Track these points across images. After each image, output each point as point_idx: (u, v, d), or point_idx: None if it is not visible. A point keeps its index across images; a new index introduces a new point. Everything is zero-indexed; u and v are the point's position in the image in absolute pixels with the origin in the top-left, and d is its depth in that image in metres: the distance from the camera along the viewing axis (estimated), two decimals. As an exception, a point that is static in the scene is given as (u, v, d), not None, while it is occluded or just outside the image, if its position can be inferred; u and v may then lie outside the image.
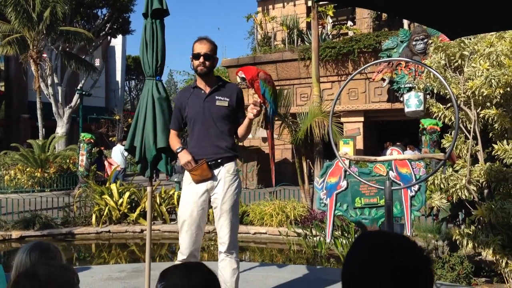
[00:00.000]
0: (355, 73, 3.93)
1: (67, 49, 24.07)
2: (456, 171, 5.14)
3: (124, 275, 5.01)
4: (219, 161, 3.41)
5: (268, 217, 8.53)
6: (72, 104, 23.64)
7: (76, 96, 23.34)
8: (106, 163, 14.96)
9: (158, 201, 9.18)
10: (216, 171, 3.41)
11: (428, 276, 1.15)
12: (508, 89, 4.62)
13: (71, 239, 8.56)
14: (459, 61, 4.90)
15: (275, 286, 4.56)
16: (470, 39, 4.85)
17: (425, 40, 13.31)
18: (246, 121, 3.46)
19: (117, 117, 30.57)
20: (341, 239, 6.58)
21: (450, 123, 5.31)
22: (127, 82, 47.09)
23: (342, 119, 14.73)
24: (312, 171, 10.05)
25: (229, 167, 3.44)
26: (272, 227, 8.39)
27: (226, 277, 3.41)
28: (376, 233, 1.31)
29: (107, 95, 38.88)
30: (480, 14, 2.13)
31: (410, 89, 12.74)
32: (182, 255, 3.43)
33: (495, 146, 4.69)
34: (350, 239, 6.48)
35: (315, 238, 7.15)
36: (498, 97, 4.67)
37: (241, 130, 3.52)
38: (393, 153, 5.11)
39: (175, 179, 10.54)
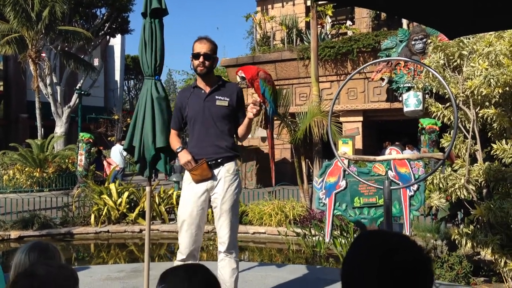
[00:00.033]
0: (354, 72, 3.93)
1: (66, 49, 24.07)
2: (455, 171, 5.14)
3: (123, 275, 5.01)
4: (219, 160, 3.41)
5: (267, 216, 8.53)
6: (71, 103, 23.63)
7: (75, 96, 23.34)
8: (105, 162, 14.96)
9: (157, 201, 9.17)
10: (216, 171, 3.41)
11: (428, 275, 1.15)
12: (507, 88, 4.63)
13: (70, 239, 8.55)
14: (458, 61, 4.90)
15: (274, 285, 4.56)
16: (469, 38, 4.85)
17: (424, 40, 13.32)
18: (246, 121, 3.45)
19: (116, 117, 30.57)
20: (340, 238, 6.58)
21: (449, 123, 5.31)
22: (126, 81, 47.07)
23: (341, 119, 14.73)
24: (311, 170, 10.06)
25: (229, 166, 3.44)
26: (271, 226, 8.39)
27: (225, 277, 3.41)
28: (375, 232, 1.30)
29: (106, 95, 38.86)
30: (482, 14, 2.13)
31: (409, 89, 12.76)
32: (181, 255, 3.43)
33: (494, 146, 4.70)
34: (349, 239, 6.48)
35: (314, 238, 7.15)
36: (497, 96, 4.67)
37: (241, 129, 3.52)
38: (392, 152, 5.12)
39: (174, 179, 10.54)
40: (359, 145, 15.33)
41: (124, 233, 8.79)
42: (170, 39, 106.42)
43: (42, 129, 20.71)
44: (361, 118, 15.91)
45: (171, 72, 59.08)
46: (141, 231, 8.60)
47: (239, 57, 17.93)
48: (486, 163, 4.89)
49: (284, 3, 19.64)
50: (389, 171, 4.96)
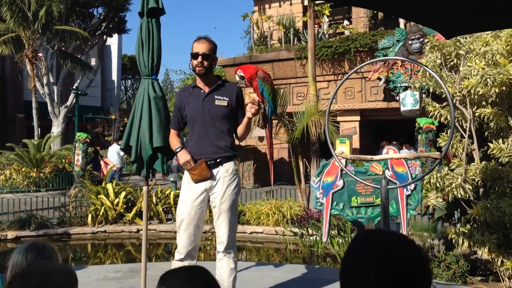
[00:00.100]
0: (351, 72, 3.94)
1: (63, 48, 24.02)
2: (452, 170, 5.15)
3: (120, 275, 5.00)
4: (218, 160, 3.40)
5: (264, 216, 8.53)
6: (68, 103, 23.59)
7: (71, 96, 23.29)
8: (102, 162, 14.93)
9: (154, 200, 9.16)
10: (215, 171, 3.41)
11: (426, 275, 1.15)
12: (504, 88, 4.64)
13: (67, 239, 8.53)
14: (455, 60, 4.91)
15: (272, 285, 4.56)
16: (465, 38, 4.86)
17: (421, 39, 13.34)
18: (245, 120, 3.45)
19: (113, 117, 30.54)
20: (337, 238, 6.59)
21: (446, 122, 5.32)
22: (123, 81, 47.00)
23: (339, 118, 14.75)
24: (308, 170, 10.07)
25: (228, 166, 3.43)
26: (269, 226, 8.39)
27: (223, 277, 3.41)
28: (373, 232, 1.30)
29: (103, 95, 38.79)
30: (480, 14, 2.13)
31: (406, 88, 12.78)
32: (179, 255, 3.43)
33: (491, 145, 4.71)
34: (346, 238, 6.49)
35: (311, 238, 7.15)
36: (494, 96, 4.68)
37: (240, 129, 3.52)
38: (389, 152, 5.12)
39: (171, 179, 10.53)
40: (356, 144, 15.35)
41: (121, 233, 8.78)
42: (167, 39, 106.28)
43: (39, 129, 20.66)
44: (358, 118, 15.93)
45: (168, 71, 59.14)
46: (138, 231, 8.59)
47: (237, 57, 17.93)
48: (483, 162, 4.90)
49: (281, 2, 19.65)
50: (386, 171, 4.96)
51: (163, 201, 9.35)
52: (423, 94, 9.09)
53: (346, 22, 18.66)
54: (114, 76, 40.54)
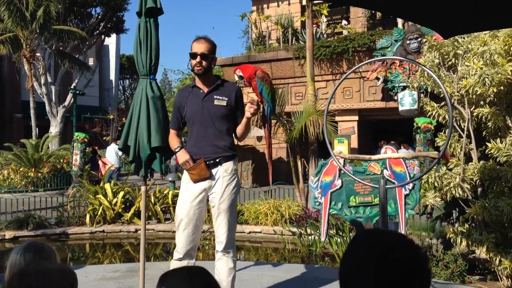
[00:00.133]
0: (350, 72, 3.94)
1: (61, 48, 23.98)
2: (450, 170, 5.16)
3: (118, 275, 5.00)
4: (217, 160, 3.40)
5: (263, 216, 8.53)
6: (66, 103, 23.55)
7: (69, 95, 23.25)
8: (100, 162, 14.92)
9: (152, 200, 9.16)
10: (214, 171, 3.41)
11: (425, 274, 1.15)
12: (502, 87, 4.64)
13: (65, 239, 8.52)
14: (453, 60, 4.92)
15: (270, 285, 4.56)
16: (463, 38, 4.87)
17: (419, 39, 13.36)
18: (244, 120, 3.45)
19: (111, 116, 30.51)
20: (335, 237, 6.59)
21: (444, 122, 5.33)
22: (121, 81, 46.95)
23: (337, 118, 14.75)
24: (307, 170, 10.06)
25: (227, 166, 3.43)
26: (267, 226, 8.39)
27: (222, 276, 3.41)
28: (372, 232, 1.30)
29: (101, 94, 38.75)
30: (480, 14, 2.14)
31: (404, 88, 12.80)
32: (178, 254, 3.43)
33: (489, 145, 4.71)
34: (344, 238, 6.49)
35: (310, 237, 7.16)
36: (492, 95, 4.69)
37: (239, 129, 3.52)
38: (387, 151, 5.12)
39: (170, 178, 10.53)
40: (354, 144, 15.36)
41: (119, 233, 8.77)
42: (165, 39, 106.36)
43: (37, 129, 20.63)
44: (356, 118, 15.94)
45: (166, 71, 59.15)
46: (136, 230, 8.58)
47: (235, 56, 17.92)
48: (481, 162, 4.91)
49: (280, 2, 19.65)
50: (385, 170, 4.96)
51: (161, 200, 9.35)
52: (421, 94, 9.10)
53: (344, 22, 18.66)
54: (112, 76, 40.48)
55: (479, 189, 5.09)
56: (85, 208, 9.23)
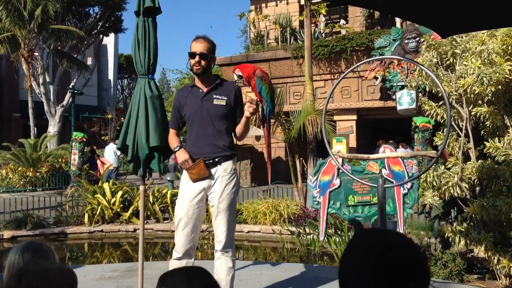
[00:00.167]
0: (348, 71, 3.94)
1: (59, 48, 23.96)
2: (448, 169, 5.17)
3: (117, 274, 5.00)
4: (216, 160, 3.40)
5: (261, 215, 8.53)
6: (64, 103, 23.52)
7: (68, 95, 23.23)
8: (98, 162, 14.92)
9: (151, 200, 9.15)
10: (213, 170, 3.41)
11: (424, 273, 1.15)
12: (500, 87, 4.65)
13: (64, 239, 8.52)
14: (451, 59, 4.93)
15: (269, 284, 4.56)
16: (461, 37, 4.87)
17: (417, 39, 13.37)
18: (243, 120, 3.44)
19: (110, 116, 30.49)
20: (334, 237, 6.60)
21: (442, 121, 5.34)
22: (119, 80, 46.92)
23: (335, 117, 14.76)
24: (305, 169, 10.07)
25: (227, 166, 3.43)
26: (266, 225, 8.39)
27: (221, 276, 3.41)
28: (371, 231, 1.30)
29: (99, 94, 38.70)
30: (480, 14, 2.14)
31: (402, 87, 12.83)
32: (177, 253, 3.43)
33: (487, 144, 4.72)
34: (343, 237, 6.50)
35: (308, 236, 7.16)
36: (490, 95, 4.70)
37: (239, 129, 3.51)
38: (386, 151, 5.13)
39: (168, 178, 10.52)
40: (353, 143, 15.37)
41: (118, 233, 8.76)
42: (163, 38, 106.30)
43: (35, 128, 20.60)
44: (355, 117, 15.95)
45: (165, 71, 59.19)
46: (135, 230, 8.58)
47: (233, 56, 17.92)
48: (479, 161, 4.92)
49: (278, 2, 19.65)
50: (383, 169, 4.97)
51: (160, 200, 9.34)
52: (420, 93, 9.11)
53: (342, 21, 18.67)
54: (111, 75, 40.45)
55: (477, 188, 5.10)
56: (83, 208, 9.23)
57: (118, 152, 14.60)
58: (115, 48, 40.14)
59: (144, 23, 3.81)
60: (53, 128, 22.74)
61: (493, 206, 4.45)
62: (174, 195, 9.07)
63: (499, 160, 4.69)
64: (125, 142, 3.86)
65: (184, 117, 3.51)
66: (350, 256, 1.21)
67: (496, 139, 4.72)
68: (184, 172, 3.45)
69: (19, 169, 16.13)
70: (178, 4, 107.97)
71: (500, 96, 4.84)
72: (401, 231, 4.79)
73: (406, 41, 13.84)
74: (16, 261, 1.99)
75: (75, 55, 24.78)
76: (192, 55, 3.39)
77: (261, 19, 18.64)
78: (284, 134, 9.81)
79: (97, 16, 26.28)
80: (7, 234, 8.23)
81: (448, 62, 4.98)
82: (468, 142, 5.09)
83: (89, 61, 30.62)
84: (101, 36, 27.95)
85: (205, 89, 3.45)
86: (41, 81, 22.68)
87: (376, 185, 3.36)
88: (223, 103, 3.41)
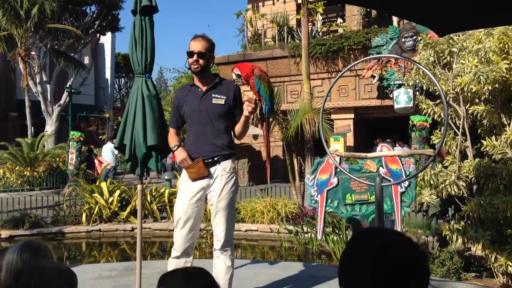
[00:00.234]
0: (345, 70, 3.94)
1: (56, 47, 23.89)
2: (446, 167, 5.18)
3: (115, 273, 4.99)
4: (215, 159, 3.40)
5: (259, 214, 8.54)
6: (61, 102, 23.48)
7: (65, 94, 23.19)
8: (96, 161, 14.90)
9: (148, 199, 9.15)
10: (212, 169, 3.40)
11: (424, 272, 1.14)
12: (496, 85, 4.66)
13: (61, 238, 8.51)
14: (448, 58, 4.93)
15: (267, 283, 4.56)
16: (458, 36, 4.88)
17: (414, 37, 13.38)
18: (242, 119, 3.44)
19: (107, 115, 30.45)
20: (332, 235, 6.61)
21: (439, 120, 5.35)
22: (116, 79, 46.84)
23: (333, 116, 14.77)
24: (303, 168, 10.07)
25: (226, 165, 3.43)
26: (264, 224, 8.40)
27: (220, 275, 3.41)
28: (370, 230, 1.31)
29: (97, 93, 38.65)
30: (479, 13, 2.14)
31: (399, 86, 12.83)
32: (176, 252, 3.43)
33: (484, 142, 4.73)
34: (341, 236, 6.51)
35: (306, 235, 7.17)
36: (487, 93, 4.71)
37: (238, 128, 3.51)
38: (383, 149, 5.14)
39: (166, 177, 10.51)
40: (350, 142, 15.38)
41: (115, 232, 8.75)
42: (160, 37, 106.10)
43: (32, 127, 20.57)
44: (352, 115, 15.96)
45: (162, 70, 58.85)
46: (132, 229, 8.57)
47: (230, 55, 17.90)
48: (476, 159, 4.93)
49: (275, 0, 19.64)
50: (381, 168, 4.98)
51: (157, 199, 9.34)
52: (417, 92, 9.12)
53: (339, 20, 18.67)
54: (108, 75, 40.40)
55: (475, 187, 5.12)
56: (81, 207, 9.22)
57: (116, 151, 14.59)
58: (112, 47, 40.10)
59: (141, 22, 3.80)
60: (50, 127, 22.70)
61: (490, 204, 4.47)
62: (172, 194, 9.07)
63: (496, 158, 4.70)
64: (122, 141, 3.85)
65: (183, 116, 3.51)
66: (349, 255, 1.21)
67: (493, 138, 4.73)
68: (184, 171, 3.45)
69: (17, 168, 16.10)
70: (175, 3, 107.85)
71: (497, 95, 4.85)
72: (399, 230, 4.80)
73: (403, 39, 13.85)
74: (14, 261, 1.99)
75: (72, 54, 24.74)
76: (190, 54, 3.38)
77: (258, 18, 18.63)
78: (282, 133, 9.81)
79: (94, 15, 26.23)
80: (4, 233, 8.22)
81: (445, 61, 4.99)
82: (465, 140, 5.10)
83: (86, 60, 30.56)
84: (98, 35, 27.92)
85: (204, 88, 3.44)
86: (38, 80, 22.63)
87: (373, 184, 3.36)
88: (222, 102, 3.40)
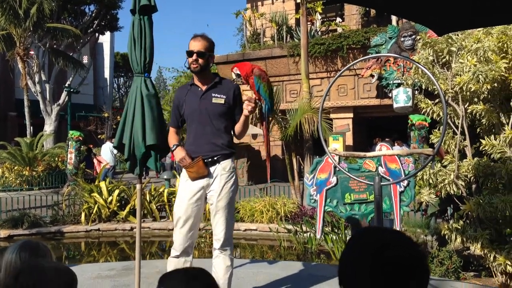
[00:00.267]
0: (344, 69, 3.94)
1: (55, 46, 23.88)
2: (445, 166, 5.18)
3: (114, 273, 4.99)
4: (215, 158, 3.40)
5: (258, 213, 8.54)
6: (60, 101, 23.47)
7: (64, 94, 23.18)
8: (95, 160, 14.89)
9: (148, 198, 9.14)
10: (212, 169, 3.40)
11: (423, 272, 1.14)
12: (495, 84, 4.66)
13: (60, 238, 8.50)
14: (447, 57, 4.93)
15: (266, 282, 4.56)
16: (457, 35, 4.88)
17: (413, 36, 13.39)
18: (242, 118, 3.43)
19: (106, 115, 30.43)
20: (331, 235, 6.61)
21: (438, 119, 5.35)
22: (115, 79, 46.82)
23: (332, 115, 14.78)
24: (302, 167, 10.08)
25: (226, 164, 3.43)
26: (263, 223, 8.40)
27: (219, 274, 3.41)
28: (369, 229, 1.30)
29: (96, 93, 38.63)
30: (476, 12, 2.14)
31: (398, 85, 12.83)
32: (175, 251, 3.43)
33: (483, 141, 4.74)
34: (340, 235, 6.51)
35: (305, 234, 7.17)
36: (486, 92, 4.71)
37: (237, 127, 3.51)
38: (382, 149, 5.14)
39: (165, 176, 10.51)
40: (349, 141, 15.39)
41: (114, 231, 8.75)
42: (159, 36, 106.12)
43: (31, 127, 20.56)
44: (351, 115, 15.97)
45: (161, 69, 58.83)
46: (132, 229, 8.57)
47: (229, 54, 17.90)
48: (475, 158, 4.93)
49: (274, 0, 19.64)
50: (380, 167, 4.98)
51: (156, 199, 9.34)
52: (416, 91, 9.13)
53: (338, 19, 18.67)
54: (107, 74, 40.37)
55: (474, 186, 5.12)
56: (80, 207, 9.21)
57: (115, 151, 14.58)
58: (111, 46, 40.07)
59: (140, 22, 3.80)
60: (49, 126, 22.69)
61: (489, 203, 4.47)
62: (171, 194, 9.07)
63: (495, 157, 4.70)
64: (121, 141, 3.85)
65: (183, 116, 3.51)
66: (348, 254, 1.21)
67: (492, 137, 4.73)
68: (183, 170, 3.45)
69: (15, 168, 16.09)
70: (174, 2, 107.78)
71: (496, 94, 4.85)
72: (398, 229, 4.80)
73: (402, 39, 13.86)
74: (13, 260, 1.98)
75: (71, 54, 24.73)
76: (189, 53, 3.38)
77: (257, 17, 18.63)
78: (281, 132, 9.81)
79: (93, 15, 26.21)
80: (3, 233, 8.21)
81: (444, 60, 4.99)
82: (464, 139, 5.10)
83: (85, 59, 30.54)
84: (97, 34, 27.91)
85: (203, 88, 3.44)
86: (37, 79, 22.61)
87: (372, 183, 3.36)
88: (222, 101, 3.40)
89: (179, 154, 3.39)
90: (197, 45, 3.37)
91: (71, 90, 22.19)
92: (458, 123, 4.98)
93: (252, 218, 8.61)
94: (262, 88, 3.58)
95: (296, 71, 16.03)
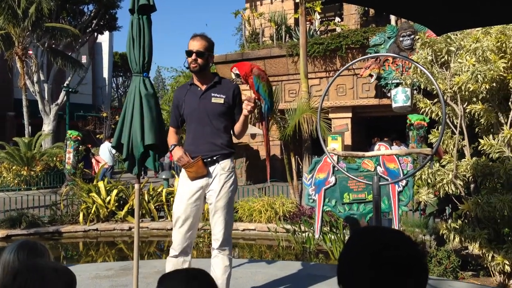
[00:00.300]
0: (343, 69, 3.94)
1: (53, 46, 23.84)
2: (443, 166, 5.18)
3: (112, 273, 4.98)
4: (214, 158, 3.40)
5: (257, 213, 8.53)
6: (59, 101, 23.44)
7: (62, 93, 23.15)
8: (93, 160, 14.87)
9: (146, 198, 9.14)
10: (211, 168, 3.40)
11: (422, 271, 1.14)
12: (494, 84, 4.67)
13: (58, 238, 8.49)
14: (446, 57, 4.94)
15: (264, 282, 4.56)
16: (456, 35, 4.88)
17: (412, 36, 13.41)
18: (241, 118, 3.43)
19: (105, 114, 30.37)
20: (329, 234, 6.61)
21: (437, 119, 5.35)
22: (114, 79, 46.78)
23: (330, 115, 14.78)
24: (300, 167, 10.08)
25: (225, 164, 3.42)
26: (261, 223, 8.40)
27: (218, 274, 3.41)
28: (368, 229, 1.30)
29: (94, 92, 38.59)
30: (477, 12, 2.14)
31: (397, 85, 12.84)
32: (174, 251, 3.43)
33: (481, 141, 4.74)
34: (338, 235, 6.51)
35: (304, 234, 7.17)
36: (484, 92, 4.71)
37: (237, 127, 3.50)
38: (381, 148, 5.14)
39: (163, 176, 10.51)
40: (348, 141, 15.40)
41: (113, 231, 8.74)
42: (158, 36, 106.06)
43: (30, 127, 20.53)
44: (350, 115, 15.98)
45: (160, 69, 58.84)
46: (130, 229, 8.56)
47: (228, 54, 17.90)
48: (474, 158, 4.94)
49: (273, -1, 19.64)
50: (378, 167, 4.98)
51: (155, 198, 9.33)
52: (414, 91, 9.13)
53: (337, 19, 18.67)
54: (105, 74, 40.33)
55: (472, 186, 5.12)
56: (78, 207, 9.20)
57: (113, 151, 14.56)
58: (109, 46, 40.02)
59: (138, 21, 3.79)
60: (47, 126, 22.66)
61: (488, 203, 4.47)
62: (170, 194, 9.06)
63: (493, 157, 4.70)
64: (120, 141, 3.84)
65: (183, 115, 3.51)
66: (347, 254, 1.21)
67: (491, 136, 4.74)
68: (183, 170, 3.45)
69: (14, 168, 16.06)
70: (173, 2, 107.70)
71: (494, 94, 4.85)
72: (396, 229, 4.80)
73: (401, 38, 13.87)
74: (11, 260, 1.98)
75: (69, 53, 24.69)
76: (189, 53, 3.37)
77: (256, 17, 18.63)
78: (280, 132, 9.81)
79: (92, 14, 26.17)
80: (1, 233, 8.20)
81: (442, 60, 4.99)
82: (463, 139, 5.11)
83: (84, 59, 30.51)
84: (95, 34, 27.85)
85: (203, 87, 3.44)
86: (35, 79, 22.58)
87: (371, 183, 3.36)
88: (221, 101, 3.40)
89: (177, 153, 3.40)
90: (196, 45, 3.37)
91: (70, 89, 22.17)
92: (457, 122, 4.99)
93: (250, 218, 8.61)
94: (261, 87, 3.58)
95: (295, 70, 16.03)
